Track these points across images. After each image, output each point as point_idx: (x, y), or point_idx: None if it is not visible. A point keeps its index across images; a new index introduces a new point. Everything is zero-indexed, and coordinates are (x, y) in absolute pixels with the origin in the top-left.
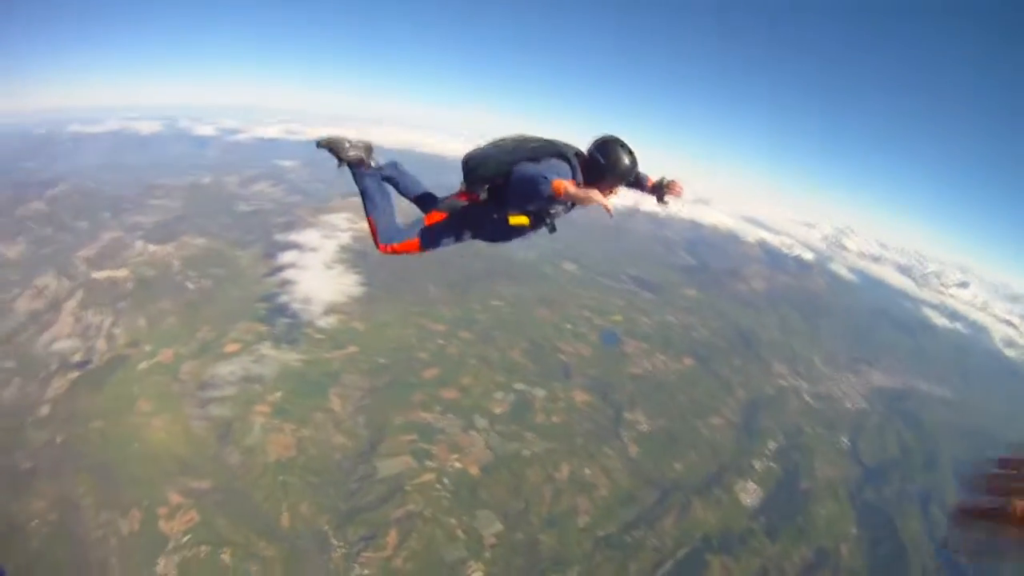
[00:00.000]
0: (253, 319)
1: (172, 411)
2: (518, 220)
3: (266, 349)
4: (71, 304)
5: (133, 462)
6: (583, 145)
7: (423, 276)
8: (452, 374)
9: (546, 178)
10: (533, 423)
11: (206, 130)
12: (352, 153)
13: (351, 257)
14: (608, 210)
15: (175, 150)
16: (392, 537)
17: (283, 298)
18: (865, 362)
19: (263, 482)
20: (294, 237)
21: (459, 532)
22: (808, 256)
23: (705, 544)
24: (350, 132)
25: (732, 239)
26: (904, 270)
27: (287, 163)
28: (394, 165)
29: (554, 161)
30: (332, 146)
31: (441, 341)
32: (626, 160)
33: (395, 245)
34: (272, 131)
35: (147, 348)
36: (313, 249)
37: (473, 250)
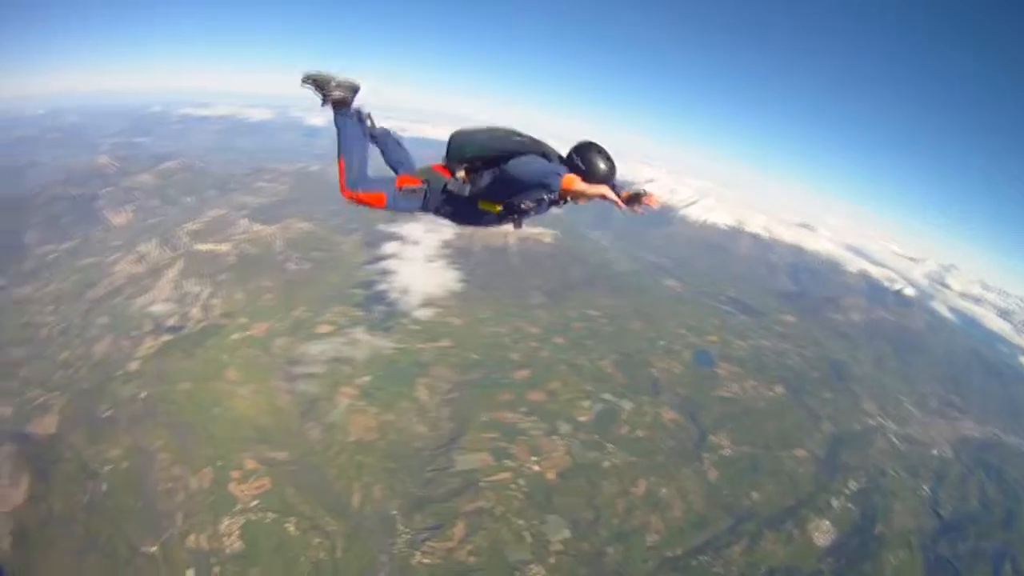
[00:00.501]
0: (349, 304)
1: (259, 382)
2: (488, 207)
3: (359, 334)
4: (171, 272)
5: (214, 425)
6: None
7: (523, 278)
8: (542, 377)
9: (558, 173)
10: (616, 435)
11: (317, 121)
12: (337, 93)
13: (452, 253)
14: (619, 205)
15: (285, 138)
16: (459, 530)
17: (381, 286)
18: (956, 408)
19: (339, 460)
20: (397, 229)
21: (526, 534)
22: (909, 292)
23: None
24: (337, 71)
25: (834, 268)
26: (1004, 314)
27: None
28: (387, 132)
29: (539, 160)
30: (318, 83)
31: (534, 344)
32: (603, 166)
33: (360, 194)
34: (384, 125)
35: (242, 320)
36: (415, 242)
37: (575, 257)
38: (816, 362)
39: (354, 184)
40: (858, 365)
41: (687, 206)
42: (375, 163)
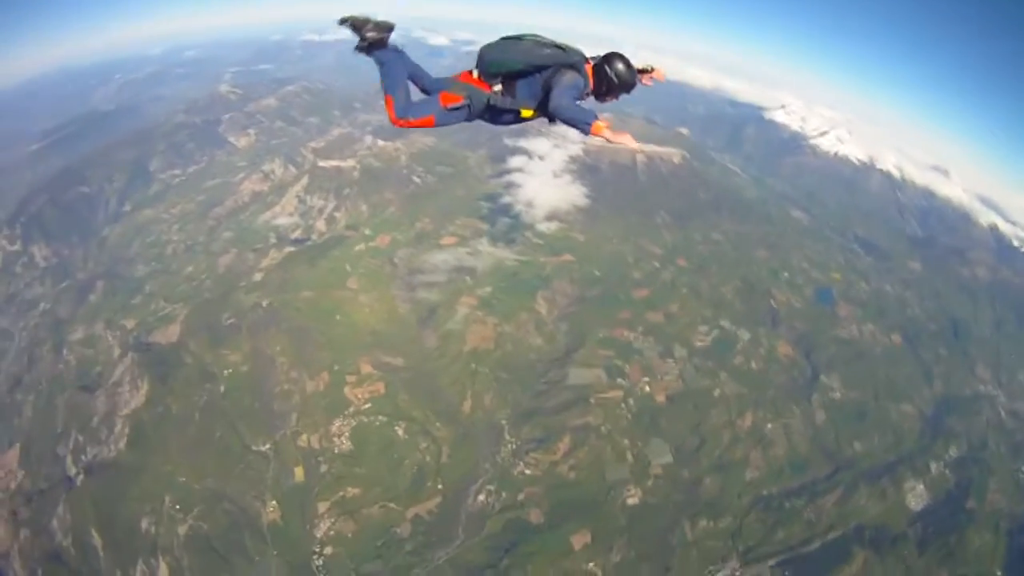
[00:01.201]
0: (473, 216)
1: (380, 291)
2: (528, 113)
3: (482, 245)
4: (296, 188)
5: (333, 331)
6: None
7: (649, 198)
8: (661, 299)
9: (587, 122)
10: (731, 364)
11: (440, 40)
12: (372, 33)
13: (579, 169)
14: (638, 150)
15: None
16: (564, 444)
17: (506, 199)
18: None
19: (454, 368)
20: (524, 144)
21: (629, 455)
22: None
23: (856, 534)
24: (374, 12)
25: (964, 218)
26: None
27: None
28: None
29: (568, 77)
30: (355, 24)
31: (656, 264)
32: (628, 74)
33: (411, 120)
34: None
35: (366, 232)
36: (542, 157)
37: (702, 179)
38: (936, 315)
39: (403, 113)
40: (978, 326)
41: (818, 136)
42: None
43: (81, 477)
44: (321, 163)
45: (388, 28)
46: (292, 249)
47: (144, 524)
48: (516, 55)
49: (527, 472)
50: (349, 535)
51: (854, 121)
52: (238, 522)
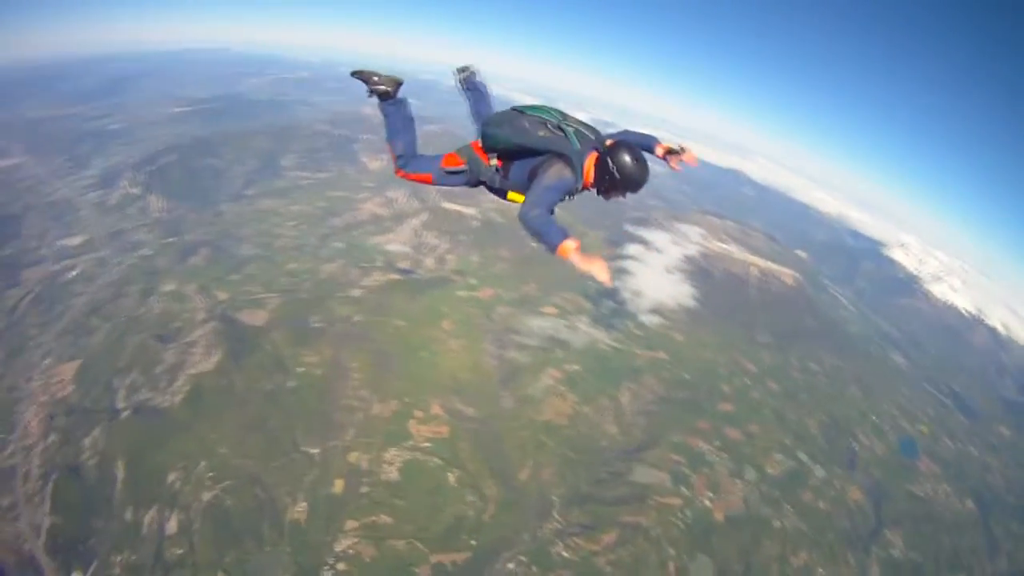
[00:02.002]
0: (579, 292)
1: (471, 339)
2: (515, 198)
3: (581, 322)
4: (414, 221)
5: (415, 364)
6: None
7: (755, 313)
8: (744, 417)
9: (553, 244)
10: (798, 498)
11: (579, 116)
12: (380, 87)
13: (693, 269)
14: (607, 283)
15: None
16: (610, 537)
17: (615, 284)
18: None
19: (522, 433)
20: (644, 234)
21: (671, 565)
22: None
23: None
24: (380, 68)
25: None
26: None
27: (655, 167)
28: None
29: (553, 171)
30: (364, 77)
31: (748, 381)
32: (635, 171)
33: (409, 173)
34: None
35: (471, 281)
36: (658, 250)
37: (811, 304)
38: (1017, 487)
39: (404, 165)
40: None
41: (932, 281)
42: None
43: (127, 413)
44: (444, 204)
45: (395, 83)
46: (396, 277)
47: (171, 477)
48: (509, 132)
49: (564, 554)
50: (367, 559)
51: (969, 271)
52: (262, 509)
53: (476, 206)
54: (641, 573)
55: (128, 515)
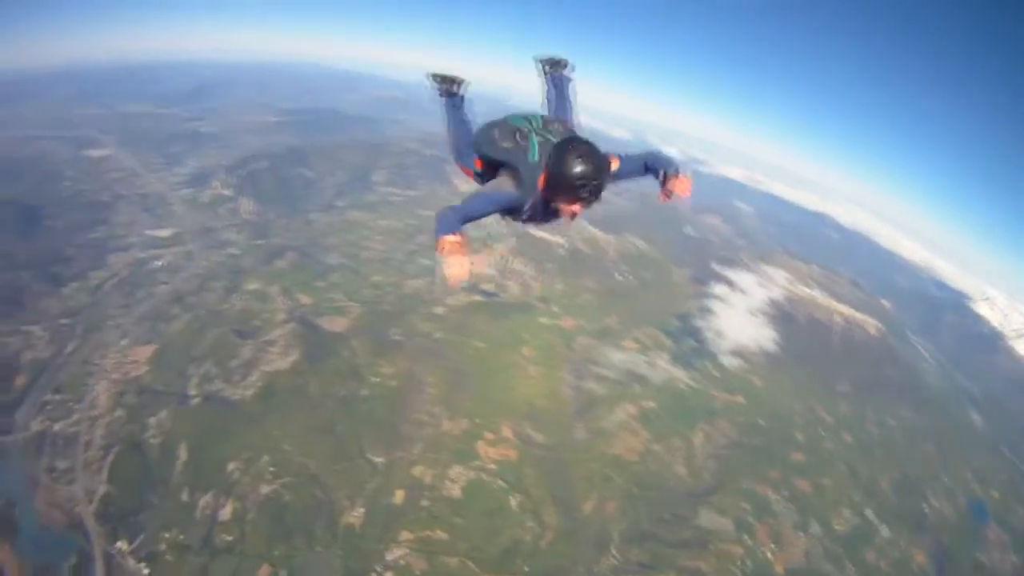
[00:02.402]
0: (661, 329)
1: (550, 367)
2: None
3: (661, 359)
4: (502, 247)
5: (490, 387)
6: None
7: (836, 362)
8: (816, 469)
9: (437, 234)
10: (861, 557)
11: (670, 151)
12: (448, 87)
13: (776, 313)
14: (450, 283)
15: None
16: None
17: (697, 323)
18: None
19: (591, 465)
20: (729, 274)
21: None
22: None
23: None
24: (453, 71)
25: None
26: None
27: (743, 207)
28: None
29: (496, 181)
30: (437, 78)
31: (823, 432)
32: (582, 170)
33: (459, 164)
34: (736, 173)
35: (554, 309)
36: (743, 291)
37: (892, 356)
38: None
39: (457, 156)
40: None
41: (1016, 337)
42: None
43: (197, 400)
44: (532, 231)
45: (460, 84)
46: (480, 299)
47: (231, 466)
48: (481, 141)
49: None
50: (417, 572)
51: None
52: (319, 509)
53: (564, 235)
54: None
55: (184, 496)
